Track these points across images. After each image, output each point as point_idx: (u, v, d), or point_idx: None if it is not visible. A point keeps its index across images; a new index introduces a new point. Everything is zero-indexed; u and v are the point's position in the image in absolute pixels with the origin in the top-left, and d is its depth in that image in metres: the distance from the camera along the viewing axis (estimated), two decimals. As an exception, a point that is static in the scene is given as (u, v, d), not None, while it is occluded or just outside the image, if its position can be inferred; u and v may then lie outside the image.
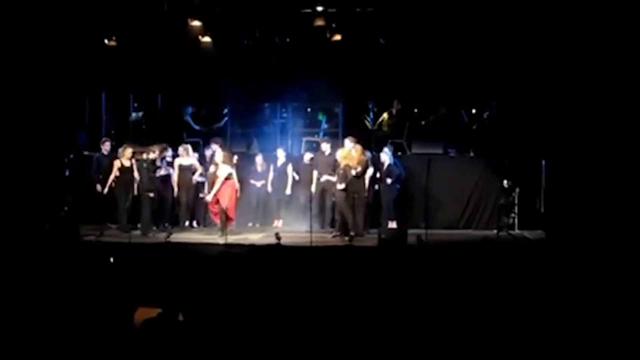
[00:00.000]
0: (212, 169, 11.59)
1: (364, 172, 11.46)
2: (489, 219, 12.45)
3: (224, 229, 11.25)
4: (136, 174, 11.82)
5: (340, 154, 11.42)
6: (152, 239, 11.19)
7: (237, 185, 11.63)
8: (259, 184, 12.52)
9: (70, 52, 12.70)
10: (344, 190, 11.34)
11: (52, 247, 9.86)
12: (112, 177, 11.78)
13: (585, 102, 10.89)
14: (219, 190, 11.36)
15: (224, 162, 11.47)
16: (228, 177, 11.43)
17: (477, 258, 9.60)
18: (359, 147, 11.48)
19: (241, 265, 9.06)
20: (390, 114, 13.96)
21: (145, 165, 11.66)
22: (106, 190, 11.82)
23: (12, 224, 11.16)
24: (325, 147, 12.01)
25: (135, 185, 11.89)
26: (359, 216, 11.45)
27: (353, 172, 11.27)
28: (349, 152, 11.38)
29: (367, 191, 11.73)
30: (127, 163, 11.83)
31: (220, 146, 12.07)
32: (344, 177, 11.31)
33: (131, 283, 7.89)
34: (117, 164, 11.80)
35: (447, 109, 13.64)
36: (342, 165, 11.34)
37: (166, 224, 12.28)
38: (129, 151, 11.84)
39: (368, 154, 11.94)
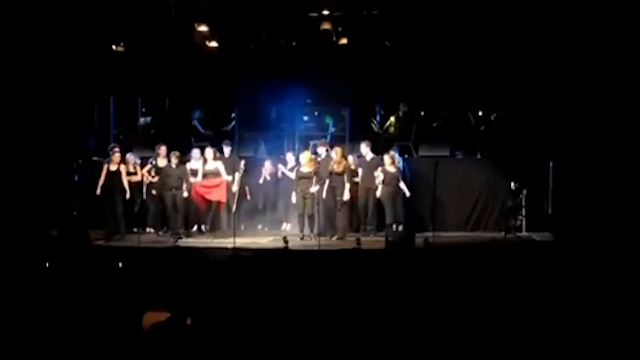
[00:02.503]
0: (207, 165, 11.63)
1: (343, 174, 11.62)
2: (497, 221, 12.42)
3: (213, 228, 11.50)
4: (125, 181, 11.81)
5: (305, 159, 11.53)
6: (161, 243, 11.25)
7: (235, 188, 11.75)
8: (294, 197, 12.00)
9: (78, 58, 12.79)
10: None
11: (61, 251, 9.93)
12: (101, 181, 11.75)
13: (592, 103, 10.87)
14: (209, 186, 11.48)
15: (214, 159, 11.64)
16: (217, 174, 11.53)
17: (485, 260, 9.59)
18: (339, 149, 11.73)
19: (249, 269, 9.09)
20: (397, 116, 13.98)
21: (154, 170, 11.76)
22: (98, 191, 11.79)
23: (22, 228, 11.25)
24: (321, 150, 12.08)
25: (146, 189, 12.04)
26: (340, 218, 11.62)
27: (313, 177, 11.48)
28: (311, 157, 11.62)
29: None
30: (113, 168, 11.81)
31: (218, 149, 12.13)
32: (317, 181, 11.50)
33: (140, 287, 7.94)
34: (104, 168, 11.82)
35: (453, 111, 13.63)
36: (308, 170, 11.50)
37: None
38: (117, 157, 11.84)
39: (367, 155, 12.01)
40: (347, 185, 11.64)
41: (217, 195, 11.63)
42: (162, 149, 12.22)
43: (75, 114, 13.42)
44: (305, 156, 11.62)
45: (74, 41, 12.52)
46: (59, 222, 11.85)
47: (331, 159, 11.77)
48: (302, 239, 11.48)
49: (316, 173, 11.55)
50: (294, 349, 5.82)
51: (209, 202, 11.70)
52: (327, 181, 11.63)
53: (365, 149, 12.05)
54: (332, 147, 12.26)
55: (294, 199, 11.72)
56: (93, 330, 5.91)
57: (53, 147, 12.76)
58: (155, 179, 12.14)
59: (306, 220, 11.65)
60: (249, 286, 7.93)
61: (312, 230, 11.69)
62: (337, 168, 11.63)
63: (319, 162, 11.89)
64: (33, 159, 12.35)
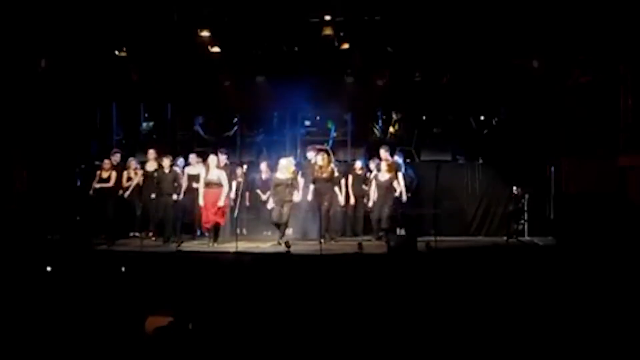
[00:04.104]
0: (203, 173, 11.52)
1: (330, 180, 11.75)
2: (499, 225, 12.42)
3: (216, 238, 11.37)
4: (111, 182, 11.89)
5: (282, 165, 11.52)
6: (163, 248, 11.26)
7: (232, 194, 11.67)
8: (264, 196, 12.23)
9: (81, 63, 12.82)
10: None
11: (63, 256, 9.94)
12: (93, 184, 11.84)
13: (593, 109, 10.89)
14: (208, 196, 11.33)
15: (218, 167, 11.51)
16: (219, 184, 11.39)
17: (487, 265, 9.60)
18: (326, 156, 11.81)
19: (251, 274, 9.11)
20: (393, 123, 14.00)
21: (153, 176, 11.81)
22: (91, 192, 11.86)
23: (24, 233, 11.27)
24: (310, 155, 12.12)
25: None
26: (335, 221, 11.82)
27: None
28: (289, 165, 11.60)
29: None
30: (105, 175, 11.90)
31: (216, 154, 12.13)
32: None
33: (142, 292, 7.95)
34: (97, 175, 11.90)
35: (455, 115, 13.65)
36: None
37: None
38: (106, 163, 11.93)
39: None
40: (337, 190, 11.78)
41: (220, 217, 11.47)
42: (151, 152, 12.23)
43: (78, 119, 13.45)
44: (282, 162, 11.54)
45: (77, 47, 12.55)
46: (61, 226, 11.86)
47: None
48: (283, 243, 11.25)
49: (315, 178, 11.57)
50: (296, 353, 5.82)
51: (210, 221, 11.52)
52: (312, 187, 11.69)
53: (384, 154, 12.01)
54: (333, 152, 12.31)
55: (264, 197, 11.93)
56: (96, 334, 5.92)
57: (55, 152, 12.78)
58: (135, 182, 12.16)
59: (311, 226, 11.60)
60: (251, 290, 7.95)
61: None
62: (324, 174, 11.62)
63: (320, 166, 11.88)
64: (35, 164, 12.37)
